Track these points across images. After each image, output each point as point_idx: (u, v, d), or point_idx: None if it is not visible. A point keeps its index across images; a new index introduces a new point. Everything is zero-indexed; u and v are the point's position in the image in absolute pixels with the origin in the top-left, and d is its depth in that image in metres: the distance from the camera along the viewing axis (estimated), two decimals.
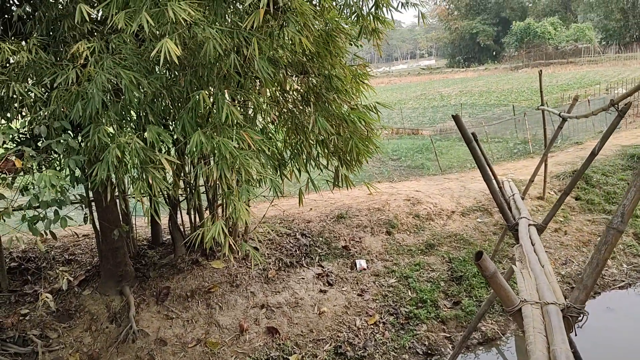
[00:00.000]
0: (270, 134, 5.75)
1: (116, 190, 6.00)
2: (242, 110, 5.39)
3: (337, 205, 9.43)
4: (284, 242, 8.24)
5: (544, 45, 58.72)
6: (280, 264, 7.75)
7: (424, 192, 10.37)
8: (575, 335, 2.77)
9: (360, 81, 5.84)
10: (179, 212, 7.75)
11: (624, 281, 8.26)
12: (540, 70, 9.87)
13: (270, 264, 7.71)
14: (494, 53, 69.44)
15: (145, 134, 4.53)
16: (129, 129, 4.97)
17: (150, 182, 4.39)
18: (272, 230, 8.26)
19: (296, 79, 5.50)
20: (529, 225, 4.95)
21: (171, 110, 5.27)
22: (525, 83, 40.28)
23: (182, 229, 7.81)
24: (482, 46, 69.44)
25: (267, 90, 5.05)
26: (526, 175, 11.04)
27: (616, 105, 4.71)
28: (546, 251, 8.90)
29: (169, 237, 7.96)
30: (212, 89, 4.77)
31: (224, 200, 4.62)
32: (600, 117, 16.87)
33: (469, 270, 7.96)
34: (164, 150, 5.39)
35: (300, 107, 5.63)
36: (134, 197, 7.57)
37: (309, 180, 6.02)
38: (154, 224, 8.06)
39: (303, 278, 7.61)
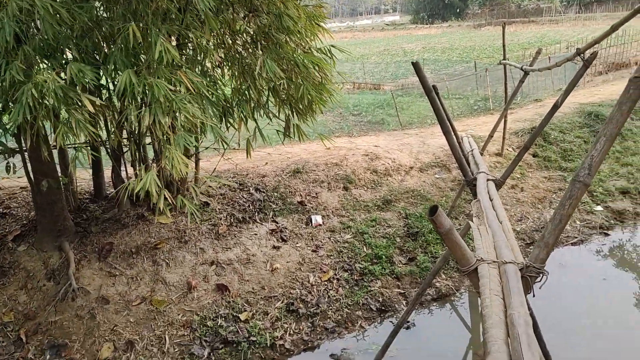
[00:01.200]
0: (215, 78, 5.26)
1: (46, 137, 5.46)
2: (182, 50, 4.88)
3: (293, 160, 9.10)
4: (236, 197, 7.89)
5: (507, 4, 58.64)
6: (232, 220, 7.43)
7: (382, 147, 10.14)
8: (534, 296, 2.57)
9: (315, 23, 5.38)
10: (123, 164, 7.27)
11: (576, 237, 8.32)
12: (504, 24, 9.61)
13: (221, 219, 7.38)
14: (458, 10, 68.91)
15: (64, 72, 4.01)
16: (51, 67, 4.40)
17: (74, 125, 3.92)
18: (224, 185, 7.89)
19: (245, 18, 5.00)
20: (488, 180, 4.75)
21: (104, 48, 4.71)
22: (488, 41, 40.21)
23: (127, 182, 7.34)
24: (446, 3, 68.73)
25: (212, 29, 4.55)
26: (485, 132, 10.92)
27: (582, 55, 4.49)
28: (503, 207, 8.89)
29: (113, 190, 7.49)
30: (146, 24, 4.26)
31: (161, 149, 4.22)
32: (560, 75, 16.89)
33: (425, 226, 7.84)
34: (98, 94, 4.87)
35: (250, 50, 5.15)
36: (74, 147, 7.07)
37: (256, 130, 5.62)
38: (96, 177, 7.55)
39: (256, 234, 7.33)
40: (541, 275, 2.49)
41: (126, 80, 3.79)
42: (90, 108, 3.93)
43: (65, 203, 6.91)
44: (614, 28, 3.91)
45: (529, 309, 4.95)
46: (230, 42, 5.18)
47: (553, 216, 2.48)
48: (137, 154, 6.21)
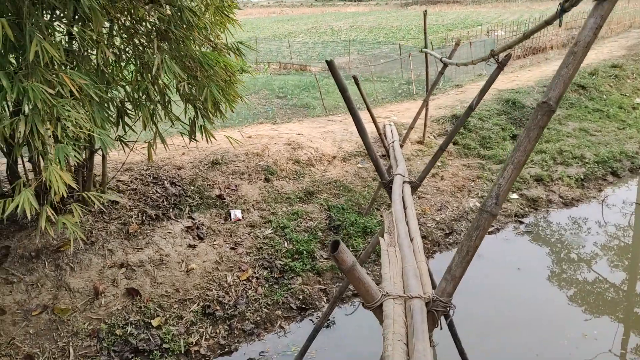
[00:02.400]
0: (110, 77, 4.75)
1: None
2: (67, 44, 4.37)
3: (212, 150, 8.71)
4: (149, 191, 7.44)
5: None
6: (144, 217, 7.00)
7: (306, 135, 9.94)
8: (441, 329, 2.47)
9: (224, 14, 5.01)
10: (19, 159, 6.63)
11: (493, 226, 8.53)
12: (425, 11, 9.59)
13: (132, 217, 6.93)
14: None
15: None
16: None
17: None
18: (136, 179, 7.42)
19: (147, 6, 4.54)
20: (404, 182, 4.66)
21: None
22: (414, 21, 40.81)
23: (25, 178, 6.72)
24: None
25: (101, 22, 4.07)
26: (408, 119, 11.00)
27: (496, 57, 4.45)
28: (422, 197, 8.97)
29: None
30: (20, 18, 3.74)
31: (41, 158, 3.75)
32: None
33: (347, 218, 7.76)
34: None
35: (149, 46, 4.70)
36: None
37: (156, 135, 5.23)
38: None
39: (170, 232, 6.95)
40: (448, 309, 2.38)
41: None
42: None
43: None
44: (526, 36, 3.86)
45: (453, 330, 4.97)
46: (132, 32, 4.70)
47: (460, 247, 2.37)
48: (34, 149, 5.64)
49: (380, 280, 6.90)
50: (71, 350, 5.53)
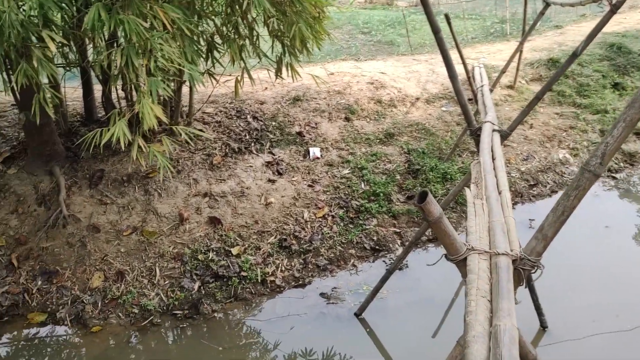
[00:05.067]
0: (201, 9, 4.75)
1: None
2: None
3: (294, 86, 8.70)
4: (233, 125, 7.61)
5: None
6: (227, 150, 7.19)
7: (389, 74, 9.67)
8: (525, 287, 2.39)
9: None
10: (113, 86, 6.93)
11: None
12: None
13: (216, 149, 7.15)
14: None
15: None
16: None
17: (35, 64, 3.58)
18: (220, 111, 7.58)
19: None
20: (493, 131, 4.45)
21: None
22: None
23: (119, 105, 7.05)
24: None
25: None
26: (499, 61, 10.39)
27: None
28: (507, 145, 8.57)
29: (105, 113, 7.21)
30: None
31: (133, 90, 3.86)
32: None
33: (427, 163, 7.59)
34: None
35: None
36: (64, 67, 6.71)
37: (244, 71, 5.22)
38: (87, 98, 7.24)
39: (251, 166, 7.12)
40: (535, 268, 2.29)
41: (94, 17, 3.40)
42: (52, 47, 3.57)
43: (54, 126, 6.68)
44: None
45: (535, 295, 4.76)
46: None
47: (555, 206, 2.24)
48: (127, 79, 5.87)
49: (457, 228, 6.78)
50: (157, 271, 5.93)
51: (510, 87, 9.84)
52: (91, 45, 5.47)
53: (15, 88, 4.11)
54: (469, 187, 3.41)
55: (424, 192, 2.08)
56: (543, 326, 5.27)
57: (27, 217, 6.30)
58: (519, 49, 8.32)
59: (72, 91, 8.05)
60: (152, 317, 5.50)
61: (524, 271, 2.28)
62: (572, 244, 6.58)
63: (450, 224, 2.24)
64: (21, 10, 3.50)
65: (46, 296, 5.68)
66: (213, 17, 5.03)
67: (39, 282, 5.82)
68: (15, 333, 5.43)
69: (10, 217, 6.29)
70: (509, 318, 1.87)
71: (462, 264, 2.30)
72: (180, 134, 5.38)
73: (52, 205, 6.33)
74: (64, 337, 5.39)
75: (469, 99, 8.39)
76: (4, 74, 5.41)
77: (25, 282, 5.80)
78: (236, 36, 4.96)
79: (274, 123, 7.85)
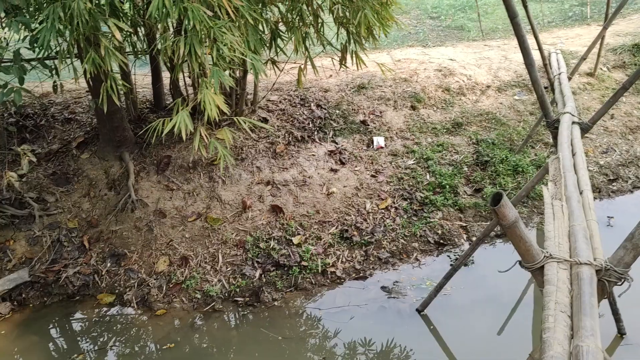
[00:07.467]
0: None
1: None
2: None
3: (359, 73, 8.52)
4: (296, 113, 7.55)
5: None
6: (290, 138, 7.15)
7: (459, 61, 9.29)
8: (610, 300, 2.16)
9: None
10: (181, 73, 7.04)
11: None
12: None
13: (279, 137, 7.12)
14: None
15: None
16: None
17: (102, 53, 3.63)
18: (284, 99, 7.54)
19: None
20: (572, 123, 4.13)
21: None
22: None
23: (185, 93, 7.16)
24: None
25: None
26: (578, 47, 9.76)
27: None
28: (587, 137, 8.04)
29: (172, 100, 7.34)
30: None
31: (198, 81, 3.85)
32: None
33: (497, 155, 7.25)
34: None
35: None
36: (134, 54, 6.87)
37: (307, 59, 5.10)
38: (155, 85, 7.40)
39: (314, 155, 7.05)
40: (623, 280, 2.06)
41: (158, 5, 3.39)
42: (118, 35, 3.60)
43: (124, 113, 6.87)
44: None
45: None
46: None
47: None
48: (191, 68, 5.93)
49: (528, 224, 6.43)
50: (220, 257, 5.99)
51: (590, 74, 9.22)
52: (158, 34, 5.55)
53: (85, 76, 4.21)
54: (543, 182, 3.17)
55: (498, 193, 1.91)
56: (621, 333, 4.90)
57: (98, 200, 6.54)
58: (602, 34, 7.74)
59: (142, 78, 8.27)
60: (214, 303, 5.57)
61: (609, 283, 2.06)
62: None
63: (525, 228, 2.05)
64: None
65: (114, 278, 5.88)
66: (278, 3, 4.95)
67: (108, 264, 6.03)
68: (86, 312, 5.65)
69: (82, 200, 6.55)
70: (593, 338, 1.68)
71: (538, 273, 2.10)
72: (242, 124, 5.38)
73: (122, 190, 6.53)
74: (131, 318, 5.57)
75: (545, 87, 7.93)
76: (76, 61, 5.59)
77: (96, 264, 6.02)
78: (300, 24, 4.86)
79: (337, 111, 7.73)
